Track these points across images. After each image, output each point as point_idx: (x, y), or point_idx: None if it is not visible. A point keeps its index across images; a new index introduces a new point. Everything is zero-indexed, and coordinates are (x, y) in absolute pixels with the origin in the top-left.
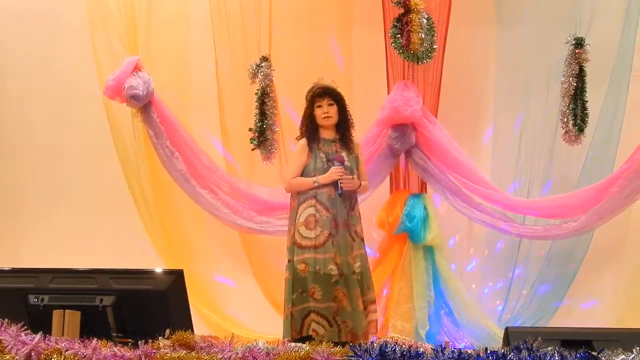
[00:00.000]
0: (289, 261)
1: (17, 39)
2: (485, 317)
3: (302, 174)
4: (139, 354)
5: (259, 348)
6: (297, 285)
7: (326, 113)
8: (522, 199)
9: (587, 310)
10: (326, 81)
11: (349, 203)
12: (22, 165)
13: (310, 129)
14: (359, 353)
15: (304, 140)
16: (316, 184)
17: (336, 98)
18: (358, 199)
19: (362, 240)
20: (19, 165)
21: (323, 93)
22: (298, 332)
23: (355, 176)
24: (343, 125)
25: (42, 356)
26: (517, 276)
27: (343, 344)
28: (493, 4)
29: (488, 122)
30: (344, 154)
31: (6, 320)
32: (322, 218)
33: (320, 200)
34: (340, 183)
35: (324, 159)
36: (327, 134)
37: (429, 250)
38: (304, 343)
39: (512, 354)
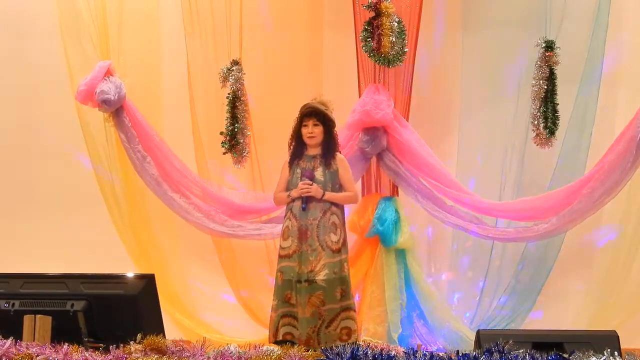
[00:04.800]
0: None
1: None
2: (457, 320)
3: (287, 189)
4: (110, 359)
5: (231, 352)
6: (277, 293)
7: (311, 133)
8: (494, 202)
9: (558, 312)
10: (324, 99)
11: (320, 214)
12: None
13: (296, 144)
14: (330, 356)
15: (286, 159)
16: (289, 198)
17: (323, 120)
18: (344, 208)
19: (337, 250)
20: None
21: (310, 113)
22: (277, 336)
23: (321, 186)
24: (327, 144)
25: None
26: (489, 279)
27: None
28: (461, 7)
29: (458, 125)
30: (320, 169)
31: None
32: (293, 229)
33: (294, 212)
34: (302, 196)
35: (299, 175)
36: (311, 151)
37: (400, 254)
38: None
39: (483, 356)
